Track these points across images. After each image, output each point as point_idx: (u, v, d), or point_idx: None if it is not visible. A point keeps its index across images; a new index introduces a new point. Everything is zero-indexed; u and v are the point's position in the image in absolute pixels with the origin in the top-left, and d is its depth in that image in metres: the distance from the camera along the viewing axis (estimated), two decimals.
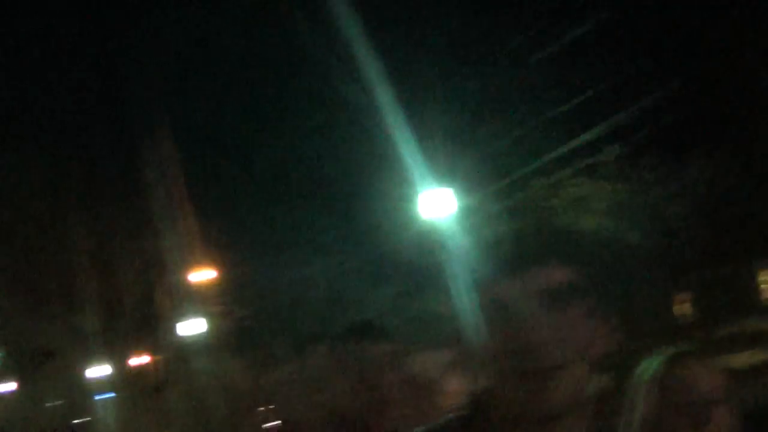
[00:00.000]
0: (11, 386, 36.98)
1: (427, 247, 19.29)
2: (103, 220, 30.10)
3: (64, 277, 29.32)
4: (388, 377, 1.82)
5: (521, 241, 1.36)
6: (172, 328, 29.67)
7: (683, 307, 26.97)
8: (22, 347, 32.98)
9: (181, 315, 28.24)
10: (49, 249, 29.99)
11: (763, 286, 26.61)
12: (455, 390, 3.86)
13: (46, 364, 33.74)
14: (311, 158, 23.19)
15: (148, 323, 32.75)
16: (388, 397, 1.83)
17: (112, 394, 33.46)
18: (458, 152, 20.42)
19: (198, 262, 27.81)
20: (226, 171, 27.30)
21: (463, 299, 1.36)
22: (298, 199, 24.28)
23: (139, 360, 36.06)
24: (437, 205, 18.28)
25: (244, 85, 25.88)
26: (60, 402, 35.17)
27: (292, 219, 24.61)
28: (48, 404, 34.71)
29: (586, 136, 20.37)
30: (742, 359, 15.98)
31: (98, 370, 32.87)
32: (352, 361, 1.87)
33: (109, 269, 30.80)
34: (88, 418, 33.75)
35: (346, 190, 22.13)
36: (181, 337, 29.22)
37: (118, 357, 33.15)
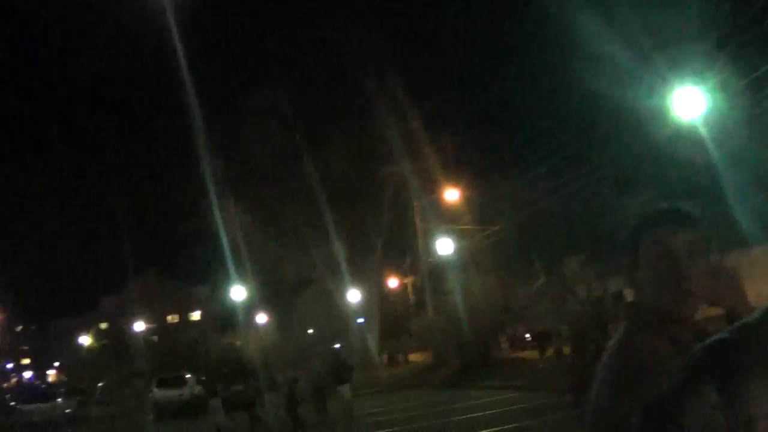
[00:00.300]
0: (267, 317, 38.93)
1: (682, 149, 18.27)
2: (351, 148, 30.89)
3: (317, 206, 30.35)
4: (696, 265, 1.60)
5: None
6: (424, 250, 30.15)
7: None
8: (279, 278, 34.57)
9: (432, 236, 28.58)
10: (301, 180, 31.12)
11: None
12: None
13: (302, 293, 35.29)
14: (554, 63, 22.60)
15: (399, 246, 33.49)
16: (696, 287, 1.60)
17: (366, 319, 34.36)
18: (709, 50, 19.14)
19: (445, 184, 27.98)
20: (469, 92, 27.22)
21: None
22: (542, 108, 23.81)
23: (392, 283, 37.03)
24: (691, 103, 17.22)
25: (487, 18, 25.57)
26: (316, 329, 36.59)
27: (538, 130, 24.18)
28: (304, 332, 36.17)
29: None
30: None
31: (353, 296, 33.83)
32: (659, 248, 1.65)
33: (359, 196, 31.65)
34: (343, 344, 35.03)
35: (594, 94, 21.30)
36: (432, 258, 29.65)
37: (371, 282, 34.07)
